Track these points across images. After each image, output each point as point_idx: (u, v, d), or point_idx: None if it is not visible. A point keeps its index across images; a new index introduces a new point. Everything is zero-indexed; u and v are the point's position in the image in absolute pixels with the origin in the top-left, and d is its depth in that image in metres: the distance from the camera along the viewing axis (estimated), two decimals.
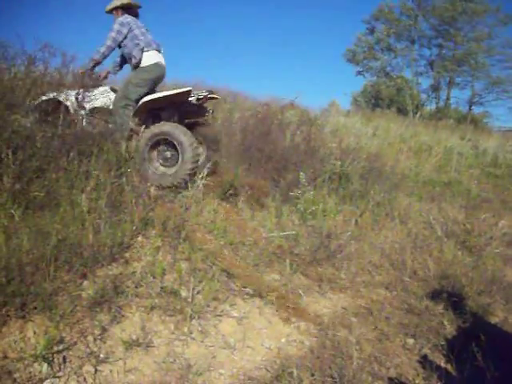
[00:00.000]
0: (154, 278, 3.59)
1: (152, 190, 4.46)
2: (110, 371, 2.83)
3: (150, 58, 5.20)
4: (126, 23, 5.14)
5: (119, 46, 5.28)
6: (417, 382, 3.26)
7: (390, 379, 3.21)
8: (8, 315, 2.84)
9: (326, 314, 4.02)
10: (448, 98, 28.10)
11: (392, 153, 10.43)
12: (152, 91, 5.19)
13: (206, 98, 5.34)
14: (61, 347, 2.80)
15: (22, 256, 3.08)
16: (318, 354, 3.37)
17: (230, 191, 5.33)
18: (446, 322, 4.02)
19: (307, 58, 58.54)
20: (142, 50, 5.16)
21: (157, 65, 5.24)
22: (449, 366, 3.44)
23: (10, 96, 4.43)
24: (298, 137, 7.67)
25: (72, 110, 4.68)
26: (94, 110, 4.93)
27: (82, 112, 4.67)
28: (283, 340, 3.55)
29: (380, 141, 11.56)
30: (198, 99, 5.24)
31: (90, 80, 5.06)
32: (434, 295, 4.39)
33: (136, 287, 3.46)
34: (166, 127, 4.89)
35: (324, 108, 16.05)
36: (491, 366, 3.09)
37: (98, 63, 5.21)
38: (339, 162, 7.03)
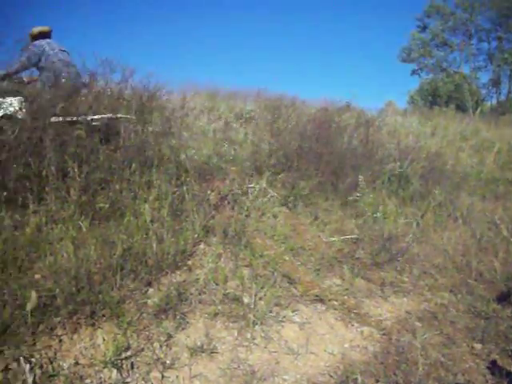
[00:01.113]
0: (216, 284, 3.64)
1: (212, 197, 4.52)
2: (176, 377, 2.88)
3: (63, 76, 5.45)
4: (39, 45, 5.59)
5: (36, 66, 5.64)
6: None
7: None
8: (78, 323, 2.96)
9: (389, 318, 3.96)
10: (510, 92, 27.06)
11: (452, 151, 10.14)
12: None
13: None
14: (129, 353, 2.89)
15: (90, 266, 3.21)
16: (382, 359, 3.33)
17: (290, 197, 5.33)
18: None
19: (360, 60, 57.70)
20: (57, 70, 5.47)
21: (68, 82, 5.38)
22: None
23: (74, 112, 4.61)
24: (355, 139, 7.60)
25: None
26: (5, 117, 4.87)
27: None
28: (346, 345, 3.52)
29: (439, 139, 11.26)
30: None
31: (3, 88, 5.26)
32: (502, 298, 4.25)
33: (199, 294, 3.52)
34: None
35: (380, 108, 15.79)
36: None
37: (9, 75, 5.50)
38: (398, 163, 6.92)
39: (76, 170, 3.92)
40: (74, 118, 4.62)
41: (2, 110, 4.83)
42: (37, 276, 3.18)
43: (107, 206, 3.93)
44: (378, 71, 53.59)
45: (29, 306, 2.76)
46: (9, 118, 4.77)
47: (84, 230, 3.59)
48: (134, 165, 4.34)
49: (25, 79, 5.74)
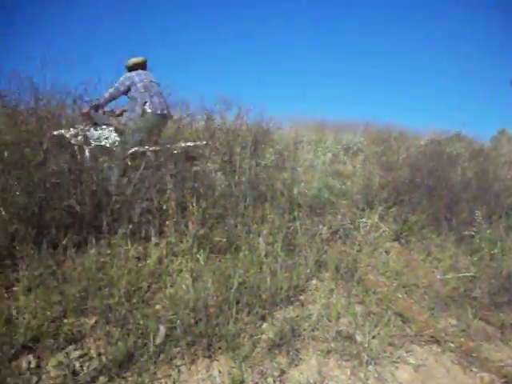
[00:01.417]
0: (329, 321, 3.63)
1: (324, 231, 4.54)
2: None
3: (148, 107, 5.55)
4: (129, 78, 5.71)
5: (127, 96, 5.78)
6: None
7: None
8: (196, 354, 3.06)
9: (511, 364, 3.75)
10: None
11: None
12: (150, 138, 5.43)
13: None
14: None
15: (208, 298, 3.32)
16: None
17: (402, 232, 5.24)
18: None
19: (469, 87, 55.77)
20: (142, 101, 5.58)
21: (153, 114, 5.53)
22: None
23: (192, 149, 4.85)
24: (469, 171, 7.34)
25: (76, 147, 4.89)
26: (98, 148, 5.09)
27: (86, 149, 4.87)
28: None
29: None
30: None
31: (97, 118, 5.54)
32: None
33: (312, 330, 3.51)
34: None
35: (493, 137, 15.12)
36: None
37: (99, 106, 5.67)
38: None
39: (194, 204, 4.11)
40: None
41: (99, 141, 5.23)
42: (158, 307, 3.35)
43: (224, 240, 4.08)
44: (487, 98, 51.58)
45: (157, 340, 2.92)
46: (105, 149, 5.14)
47: (202, 262, 3.75)
48: (248, 199, 4.48)
49: (116, 111, 6.09)
